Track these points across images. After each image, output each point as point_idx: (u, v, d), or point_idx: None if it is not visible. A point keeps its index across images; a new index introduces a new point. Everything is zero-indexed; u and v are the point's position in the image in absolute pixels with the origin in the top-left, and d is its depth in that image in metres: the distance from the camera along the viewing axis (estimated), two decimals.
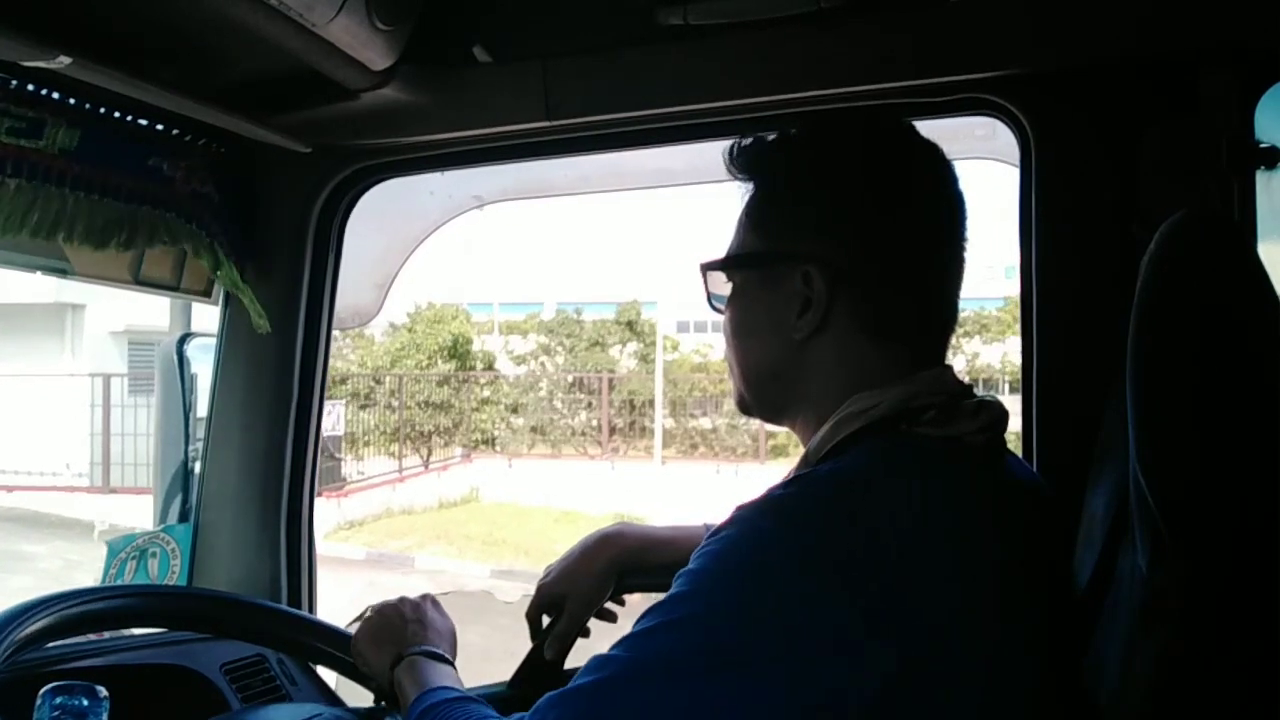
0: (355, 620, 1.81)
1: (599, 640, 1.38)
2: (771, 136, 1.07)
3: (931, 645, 0.83)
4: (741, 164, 1.06)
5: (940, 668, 0.83)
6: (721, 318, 1.09)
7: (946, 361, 1.03)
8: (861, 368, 0.98)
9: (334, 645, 1.33)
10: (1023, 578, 0.93)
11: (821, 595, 0.82)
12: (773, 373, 1.03)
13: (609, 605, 1.38)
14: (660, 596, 0.91)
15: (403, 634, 1.22)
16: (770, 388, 1.05)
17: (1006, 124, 1.34)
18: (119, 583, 1.63)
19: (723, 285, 1.07)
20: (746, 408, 1.08)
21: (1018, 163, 1.35)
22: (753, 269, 1.04)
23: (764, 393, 1.06)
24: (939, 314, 1.02)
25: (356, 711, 1.31)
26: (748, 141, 1.07)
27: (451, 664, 1.20)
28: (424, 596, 1.30)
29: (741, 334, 1.06)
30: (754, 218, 1.05)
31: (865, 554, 0.83)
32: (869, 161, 1.02)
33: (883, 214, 0.99)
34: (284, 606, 1.59)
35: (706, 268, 1.08)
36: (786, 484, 0.91)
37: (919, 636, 0.82)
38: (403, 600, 1.29)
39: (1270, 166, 1.23)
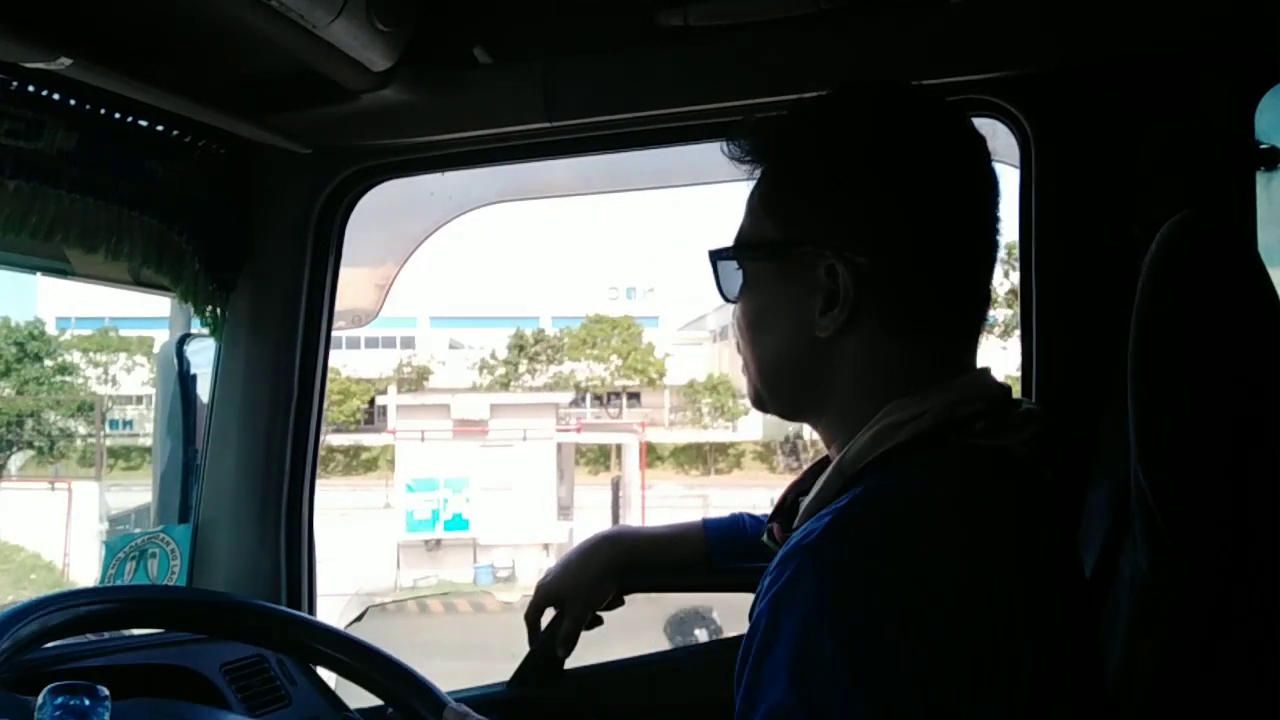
0: (355, 620, 1.81)
1: (603, 639, 1.39)
2: (784, 115, 0.98)
3: (993, 672, 0.79)
4: (750, 147, 0.98)
5: (996, 696, 0.79)
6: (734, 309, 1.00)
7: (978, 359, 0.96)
8: (894, 369, 0.91)
9: (333, 646, 1.33)
10: (1061, 594, 0.89)
11: (902, 626, 0.78)
12: (792, 370, 0.96)
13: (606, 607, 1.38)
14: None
15: None
16: (789, 385, 0.98)
17: (1007, 124, 1.34)
18: (118, 583, 1.63)
19: (733, 274, 0.99)
20: (761, 404, 1.01)
21: (1018, 163, 1.35)
22: (768, 260, 0.96)
23: (781, 390, 0.99)
24: (975, 308, 0.94)
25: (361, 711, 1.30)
26: (754, 122, 0.99)
27: None
28: None
29: (756, 328, 0.98)
30: (767, 202, 0.97)
31: (936, 582, 0.79)
32: (895, 141, 0.93)
33: (913, 199, 0.91)
34: (283, 608, 1.59)
35: (716, 256, 1.00)
36: (843, 506, 0.85)
37: (987, 668, 0.79)
38: None
39: (1270, 167, 1.23)
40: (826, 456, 0.98)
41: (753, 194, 0.99)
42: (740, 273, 0.98)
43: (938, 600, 0.79)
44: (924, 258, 0.91)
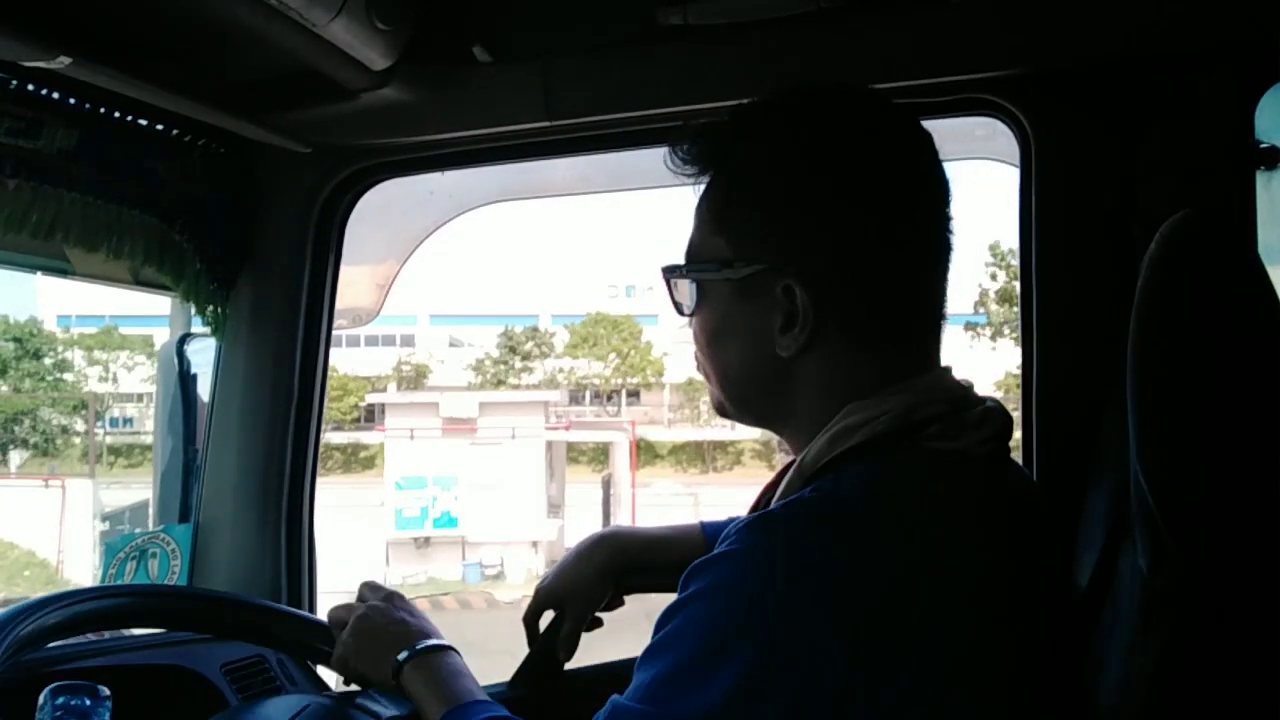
0: None
1: (604, 640, 1.38)
2: (728, 121, 0.97)
3: (942, 671, 0.80)
4: (696, 154, 0.96)
5: (946, 695, 0.80)
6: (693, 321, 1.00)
7: (942, 361, 0.97)
8: (854, 376, 0.91)
9: (333, 644, 1.33)
10: (1028, 593, 0.91)
11: (830, 627, 0.79)
12: (755, 385, 0.96)
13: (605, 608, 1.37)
14: (662, 598, 0.89)
15: (395, 634, 1.16)
16: (753, 398, 0.98)
17: (1007, 124, 1.34)
18: (119, 582, 1.63)
19: (688, 287, 0.98)
20: (725, 413, 1.02)
21: (1018, 163, 1.35)
22: (722, 277, 0.94)
23: (746, 403, 0.99)
24: (933, 311, 0.95)
25: (340, 695, 1.31)
26: (698, 129, 0.97)
27: (456, 650, 1.15)
28: (387, 594, 1.23)
29: (715, 343, 0.97)
30: (717, 217, 0.96)
31: (878, 584, 0.80)
32: (846, 148, 0.92)
33: (869, 208, 0.90)
34: (283, 606, 1.59)
35: (668, 274, 0.99)
36: (791, 503, 0.86)
37: (929, 666, 0.80)
38: (372, 603, 1.21)
39: (1270, 166, 1.23)
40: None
41: (701, 204, 0.98)
42: (695, 286, 0.97)
43: (863, 597, 0.79)
44: (883, 267, 0.91)
